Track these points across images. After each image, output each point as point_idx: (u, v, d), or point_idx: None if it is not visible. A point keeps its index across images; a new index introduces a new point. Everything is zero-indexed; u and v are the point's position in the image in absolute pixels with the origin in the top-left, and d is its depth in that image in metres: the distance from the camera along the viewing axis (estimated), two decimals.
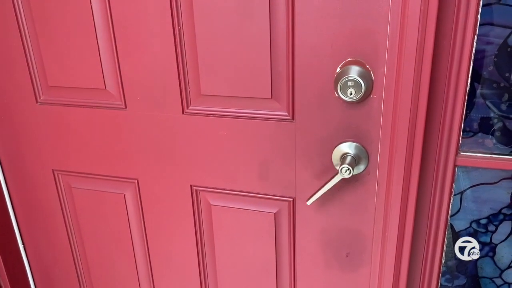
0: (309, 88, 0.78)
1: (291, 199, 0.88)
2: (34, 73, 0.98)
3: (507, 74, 0.73)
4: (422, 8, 0.66)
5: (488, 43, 0.71)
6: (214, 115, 0.86)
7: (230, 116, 0.85)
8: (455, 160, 0.78)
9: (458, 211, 0.84)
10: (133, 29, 0.85)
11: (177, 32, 0.82)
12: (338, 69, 0.75)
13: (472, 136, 0.77)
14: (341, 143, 0.79)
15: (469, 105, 0.75)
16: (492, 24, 0.70)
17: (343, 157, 0.79)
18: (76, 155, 1.03)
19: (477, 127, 0.77)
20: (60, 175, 1.07)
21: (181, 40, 0.83)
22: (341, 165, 0.76)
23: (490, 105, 0.75)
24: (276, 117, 0.83)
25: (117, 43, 0.87)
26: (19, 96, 1.01)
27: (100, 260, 1.14)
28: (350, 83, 0.72)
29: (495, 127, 0.76)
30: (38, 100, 1.00)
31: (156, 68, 0.86)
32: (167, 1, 0.81)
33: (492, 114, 0.75)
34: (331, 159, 0.81)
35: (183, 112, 0.88)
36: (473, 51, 0.71)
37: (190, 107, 0.88)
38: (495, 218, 0.82)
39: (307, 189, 0.85)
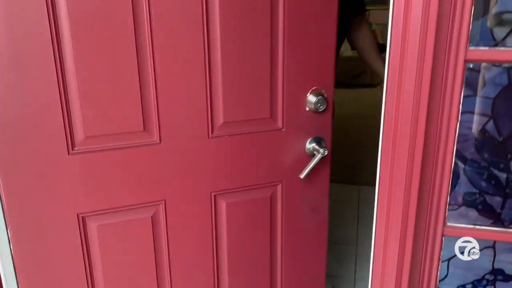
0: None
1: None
2: (69, 123, 0.95)
3: (486, 155, 0.82)
4: (414, 102, 0.75)
5: (469, 128, 0.81)
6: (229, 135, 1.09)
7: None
8: (442, 231, 0.86)
9: (446, 276, 0.90)
10: (169, 70, 0.95)
11: (207, 69, 0.99)
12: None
13: (457, 209, 0.85)
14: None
15: (453, 182, 0.84)
16: (472, 113, 0.80)
17: (317, 144, 1.15)
18: (105, 194, 1.01)
19: (461, 201, 0.85)
20: (85, 218, 1.04)
21: (210, 75, 1.01)
22: (319, 149, 1.12)
23: (472, 182, 0.84)
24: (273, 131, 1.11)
25: (157, 84, 0.95)
26: (49, 147, 0.95)
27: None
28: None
29: (477, 201, 0.85)
30: (70, 152, 0.96)
31: (189, 103, 1.00)
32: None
33: (474, 190, 0.84)
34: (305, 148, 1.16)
35: (208, 137, 1.05)
36: (456, 135, 0.80)
37: (214, 132, 1.06)
38: (479, 283, 0.90)
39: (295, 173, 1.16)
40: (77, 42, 0.88)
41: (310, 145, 1.15)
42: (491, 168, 0.82)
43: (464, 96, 0.78)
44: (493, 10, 0.74)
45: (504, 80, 0.77)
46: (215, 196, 1.12)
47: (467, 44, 0.75)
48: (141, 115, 0.97)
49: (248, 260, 1.22)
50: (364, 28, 1.77)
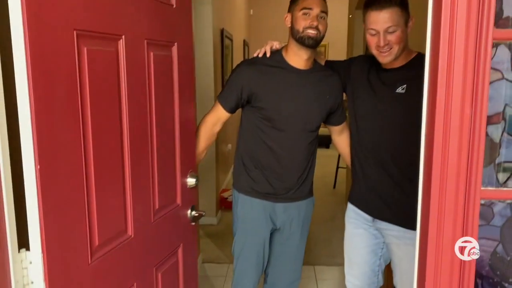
0: None
1: None
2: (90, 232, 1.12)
3: (498, 272, 1.00)
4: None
5: (484, 251, 0.99)
6: None
7: None
8: None
9: None
10: None
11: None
12: None
13: None
14: None
15: None
16: (486, 238, 0.99)
17: (193, 211, 1.70)
18: None
19: None
20: None
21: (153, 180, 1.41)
22: (198, 213, 1.69)
23: None
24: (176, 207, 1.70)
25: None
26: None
27: None
28: None
29: None
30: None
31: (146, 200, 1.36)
32: None
33: None
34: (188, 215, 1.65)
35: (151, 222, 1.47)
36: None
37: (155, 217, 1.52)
38: None
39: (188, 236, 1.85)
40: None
41: (191, 212, 1.62)
42: (503, 283, 1.00)
43: (479, 225, 0.98)
44: (497, 160, 0.97)
45: (508, 212, 0.98)
46: (155, 269, 1.44)
47: (481, 185, 0.96)
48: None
49: None
50: (345, 134, 2.05)
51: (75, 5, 1.00)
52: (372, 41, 1.65)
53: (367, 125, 1.81)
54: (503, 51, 0.93)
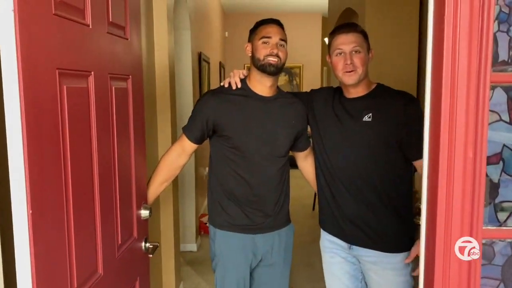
0: None
1: None
2: None
3: None
4: None
5: None
6: None
7: None
8: None
9: None
10: None
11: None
12: None
13: None
14: None
15: None
16: (487, 278, 0.99)
17: (146, 242, 1.68)
18: None
19: None
20: None
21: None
22: (152, 244, 1.67)
23: None
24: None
25: None
26: None
27: None
28: None
29: None
30: None
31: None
32: None
33: None
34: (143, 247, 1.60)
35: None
36: None
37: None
38: None
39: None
40: None
41: (145, 244, 1.62)
42: None
43: (482, 265, 0.98)
44: (496, 200, 0.98)
45: (509, 251, 0.99)
46: None
47: (482, 224, 0.97)
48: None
49: None
50: (310, 160, 2.06)
51: (57, 45, 1.01)
52: (339, 61, 1.74)
53: (337, 155, 1.82)
54: (499, 93, 0.95)
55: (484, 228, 0.97)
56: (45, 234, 0.94)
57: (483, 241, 0.98)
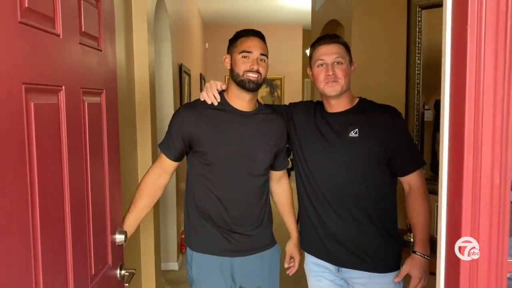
0: None
1: None
2: None
3: None
4: None
5: None
6: None
7: None
8: None
9: None
10: None
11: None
12: None
13: None
14: None
15: None
16: None
17: (121, 269, 1.52)
18: None
19: None
20: None
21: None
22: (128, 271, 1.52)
23: None
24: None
25: None
26: None
27: None
28: None
29: None
30: None
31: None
32: None
33: None
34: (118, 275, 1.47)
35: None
36: None
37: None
38: None
39: None
40: None
41: (120, 272, 1.48)
42: None
43: None
44: None
45: None
46: None
47: (507, 257, 0.87)
48: None
49: None
50: (283, 182, 1.95)
51: (23, 57, 0.90)
52: (320, 72, 1.68)
53: (322, 172, 1.73)
54: None
55: (509, 260, 0.87)
56: (8, 269, 0.81)
57: (508, 275, 0.88)
